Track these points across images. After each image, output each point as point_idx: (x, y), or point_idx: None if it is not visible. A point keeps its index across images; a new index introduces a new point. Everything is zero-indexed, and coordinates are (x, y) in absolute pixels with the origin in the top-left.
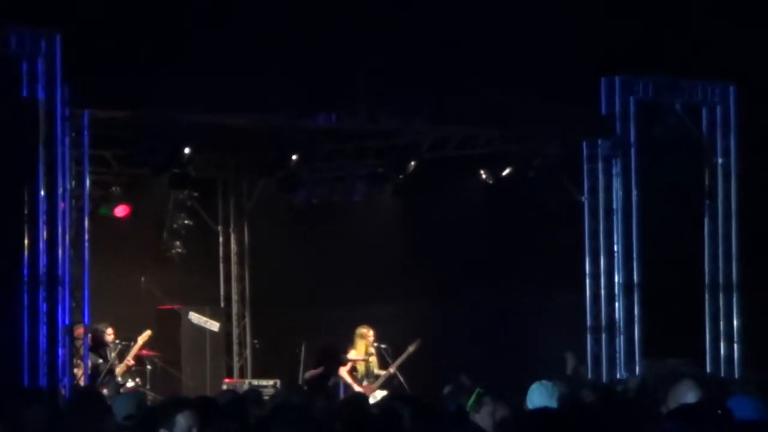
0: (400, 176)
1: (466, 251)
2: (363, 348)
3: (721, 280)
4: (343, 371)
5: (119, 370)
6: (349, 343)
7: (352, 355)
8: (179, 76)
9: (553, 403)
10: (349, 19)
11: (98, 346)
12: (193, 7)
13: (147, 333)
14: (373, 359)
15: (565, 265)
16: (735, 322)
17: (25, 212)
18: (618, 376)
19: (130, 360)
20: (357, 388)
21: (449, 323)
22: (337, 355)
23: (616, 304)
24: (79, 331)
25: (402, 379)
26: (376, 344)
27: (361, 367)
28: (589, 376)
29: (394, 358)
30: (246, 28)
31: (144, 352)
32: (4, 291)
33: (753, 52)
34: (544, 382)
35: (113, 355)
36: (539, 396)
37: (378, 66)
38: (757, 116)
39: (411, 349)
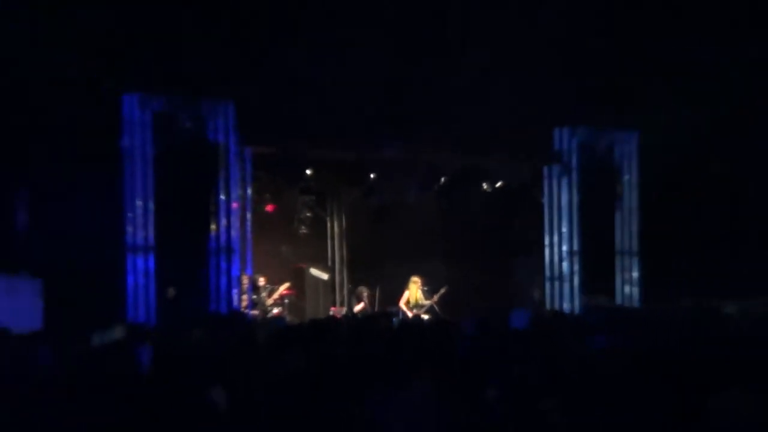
0: (441, 182)
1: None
2: (414, 291)
3: None
4: (402, 303)
5: (269, 301)
6: (405, 287)
7: (406, 295)
8: (305, 123)
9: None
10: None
11: (255, 289)
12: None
13: (286, 284)
14: (420, 296)
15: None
16: None
17: (211, 209)
18: None
19: (276, 296)
20: (410, 314)
21: (460, 281)
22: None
23: None
24: (245, 279)
25: (438, 310)
26: (422, 288)
27: (412, 300)
28: None
29: (432, 295)
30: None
31: (285, 292)
32: (200, 257)
33: None
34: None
35: (264, 294)
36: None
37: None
38: None
39: (442, 290)
